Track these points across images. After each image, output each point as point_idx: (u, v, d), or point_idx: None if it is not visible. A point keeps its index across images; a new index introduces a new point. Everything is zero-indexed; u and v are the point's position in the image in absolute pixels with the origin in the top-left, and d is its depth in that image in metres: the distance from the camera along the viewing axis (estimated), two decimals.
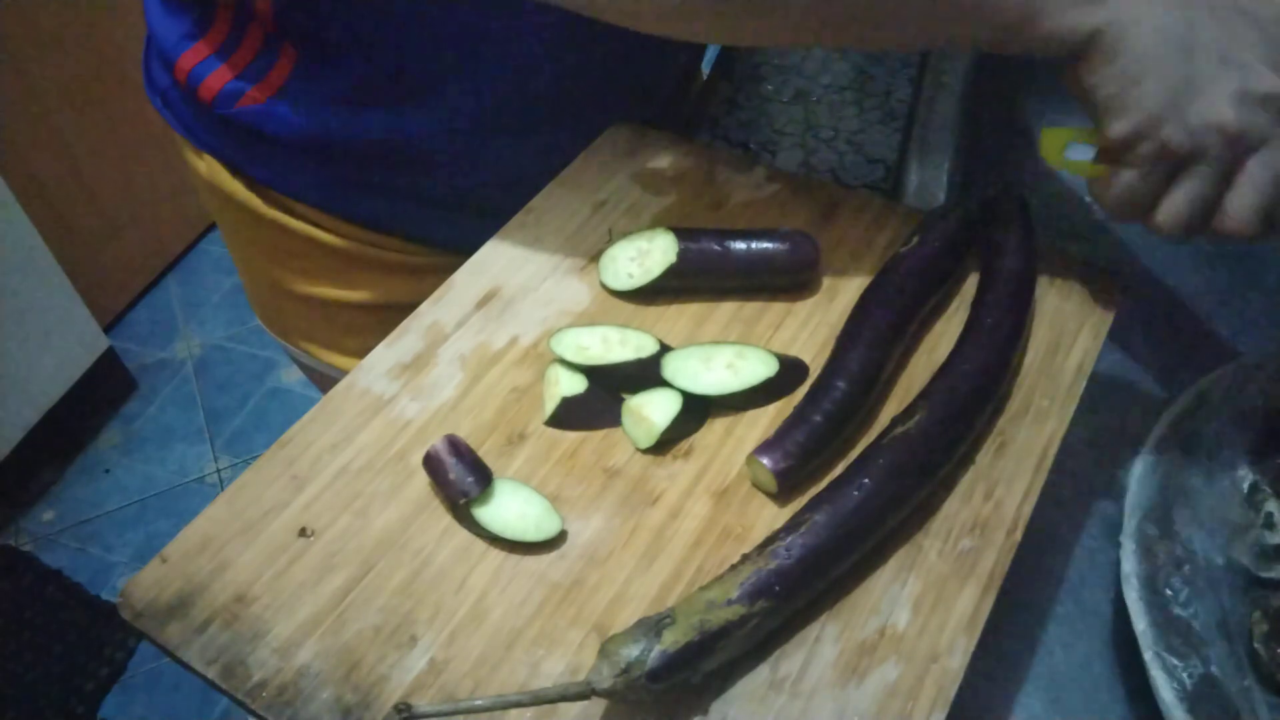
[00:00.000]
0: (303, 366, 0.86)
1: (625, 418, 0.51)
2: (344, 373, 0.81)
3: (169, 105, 0.70)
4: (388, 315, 0.78)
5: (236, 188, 0.71)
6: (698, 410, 0.52)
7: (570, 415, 0.51)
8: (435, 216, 0.74)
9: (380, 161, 0.69)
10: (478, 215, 0.73)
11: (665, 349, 0.53)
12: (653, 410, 0.50)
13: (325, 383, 0.86)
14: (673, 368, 0.52)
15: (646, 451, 0.50)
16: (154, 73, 0.70)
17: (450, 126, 0.67)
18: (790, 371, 0.53)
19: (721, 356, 0.53)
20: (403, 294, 0.77)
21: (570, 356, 0.53)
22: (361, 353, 0.73)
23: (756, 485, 0.49)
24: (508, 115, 0.68)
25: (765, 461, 0.47)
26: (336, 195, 0.71)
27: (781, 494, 0.48)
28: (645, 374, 0.52)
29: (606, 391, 0.52)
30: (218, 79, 0.66)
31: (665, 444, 0.50)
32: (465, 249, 0.75)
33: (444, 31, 0.61)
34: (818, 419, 0.49)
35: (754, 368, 0.52)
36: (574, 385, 0.52)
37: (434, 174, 0.71)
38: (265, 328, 0.85)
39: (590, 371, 0.52)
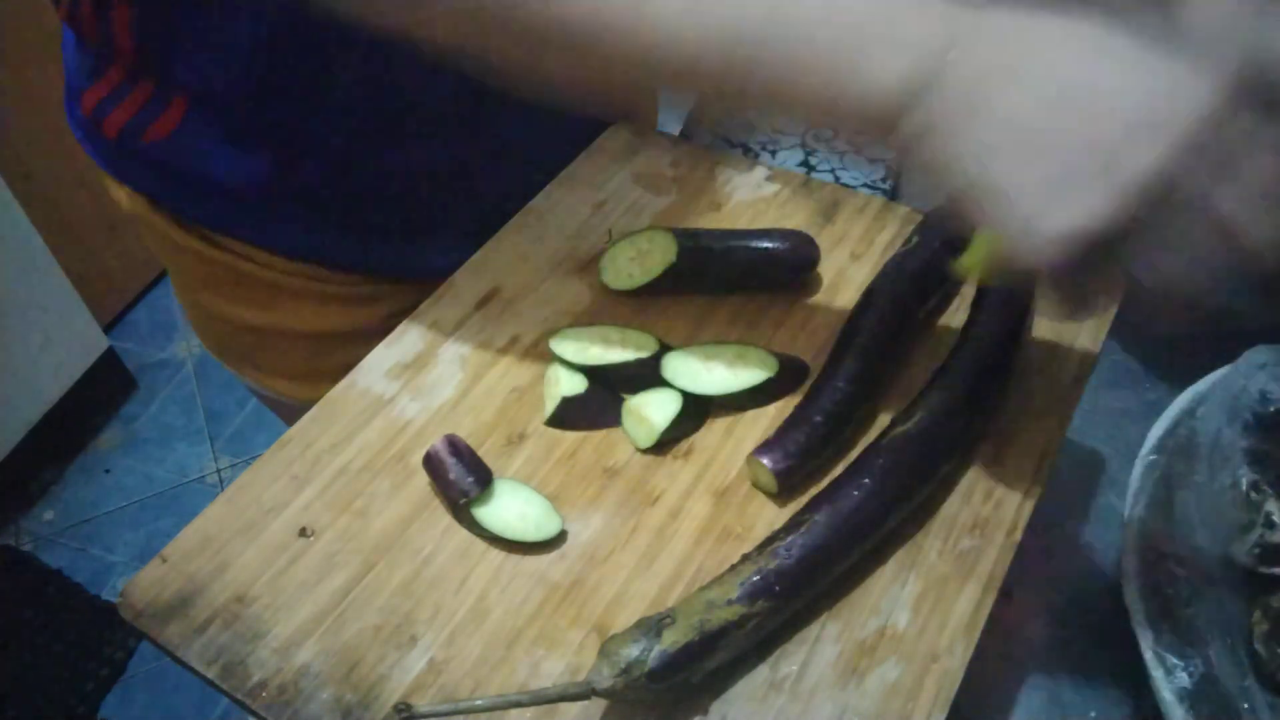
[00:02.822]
0: (250, 389, 0.84)
1: (625, 417, 0.51)
2: (285, 397, 0.79)
3: (87, 138, 0.69)
4: (322, 344, 0.73)
5: (156, 219, 0.70)
6: (698, 410, 0.52)
7: (570, 415, 0.51)
8: (354, 244, 0.71)
9: (283, 194, 0.67)
10: (403, 240, 0.70)
11: (665, 349, 0.53)
12: (653, 410, 0.50)
13: (273, 405, 0.83)
14: (673, 368, 0.52)
15: (646, 451, 0.50)
16: (72, 105, 0.70)
17: (345, 153, 0.64)
18: (790, 371, 0.53)
19: (722, 357, 0.52)
20: (337, 323, 0.73)
21: (570, 356, 0.53)
22: (300, 377, 0.70)
23: (756, 485, 0.49)
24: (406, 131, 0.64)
25: (765, 461, 0.47)
26: (244, 224, 0.69)
27: (781, 494, 0.48)
28: (645, 374, 0.52)
29: (606, 391, 0.52)
30: (119, 116, 0.65)
31: (665, 444, 0.50)
32: (397, 276, 0.73)
33: (312, 64, 0.59)
34: (818, 419, 0.49)
35: (754, 368, 0.52)
36: (574, 385, 0.52)
37: (345, 202, 0.68)
38: (209, 352, 0.83)
39: (590, 371, 0.52)
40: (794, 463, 0.48)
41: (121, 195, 0.71)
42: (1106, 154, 0.35)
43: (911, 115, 0.38)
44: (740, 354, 0.53)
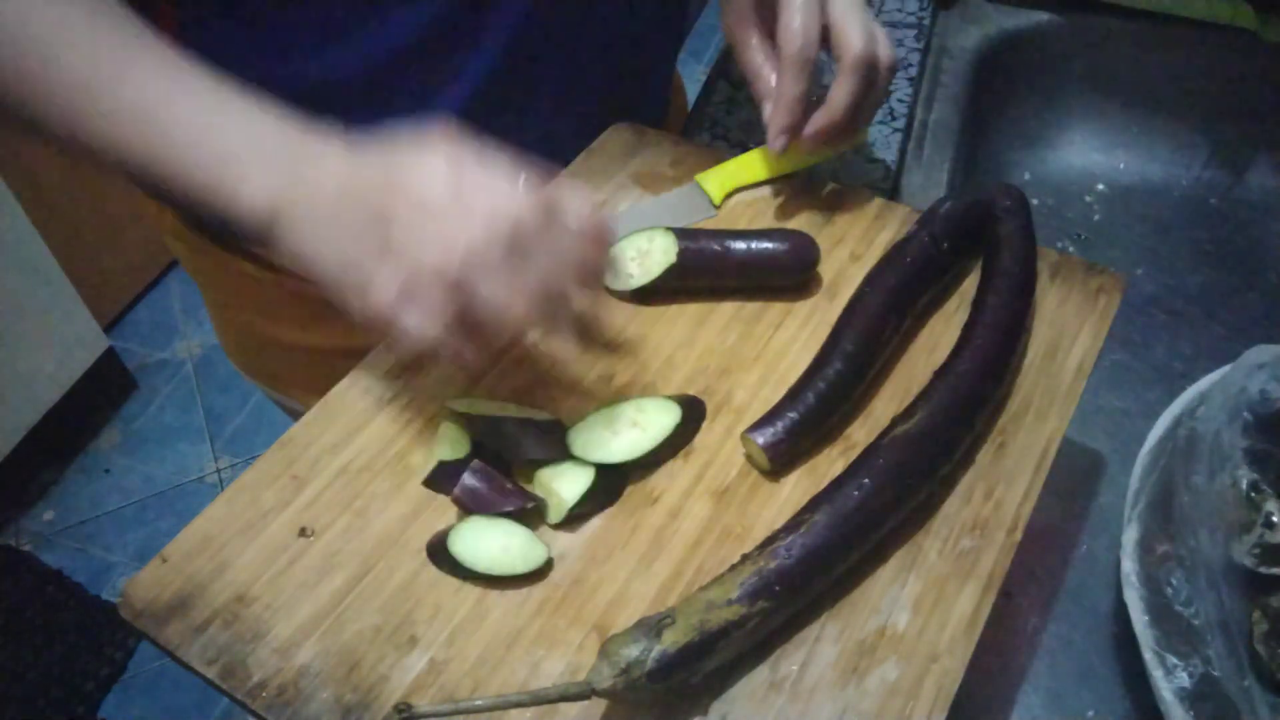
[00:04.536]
0: (279, 405, 0.84)
1: (536, 490, 0.49)
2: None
3: None
4: (354, 361, 0.76)
5: (198, 239, 0.70)
6: (612, 481, 0.49)
7: (446, 483, 0.48)
8: None
9: None
10: None
11: (563, 427, 0.50)
12: (562, 484, 0.48)
13: (295, 416, 0.83)
14: (581, 441, 0.49)
15: (556, 527, 0.48)
16: None
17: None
18: (691, 412, 0.51)
19: (624, 416, 0.50)
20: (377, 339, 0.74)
21: (461, 408, 0.50)
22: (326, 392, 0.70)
23: (751, 463, 0.49)
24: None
25: (757, 439, 0.48)
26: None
27: (774, 471, 0.49)
28: (544, 445, 0.49)
29: (495, 464, 0.48)
30: None
31: (576, 519, 0.48)
32: None
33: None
34: (810, 398, 0.49)
35: (658, 419, 0.50)
36: (456, 449, 0.49)
37: None
38: (236, 368, 0.82)
39: (479, 440, 0.49)
40: (784, 439, 0.48)
41: (164, 218, 0.71)
42: (386, 241, 0.44)
43: (276, 222, 0.47)
44: (639, 408, 0.50)
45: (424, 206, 0.44)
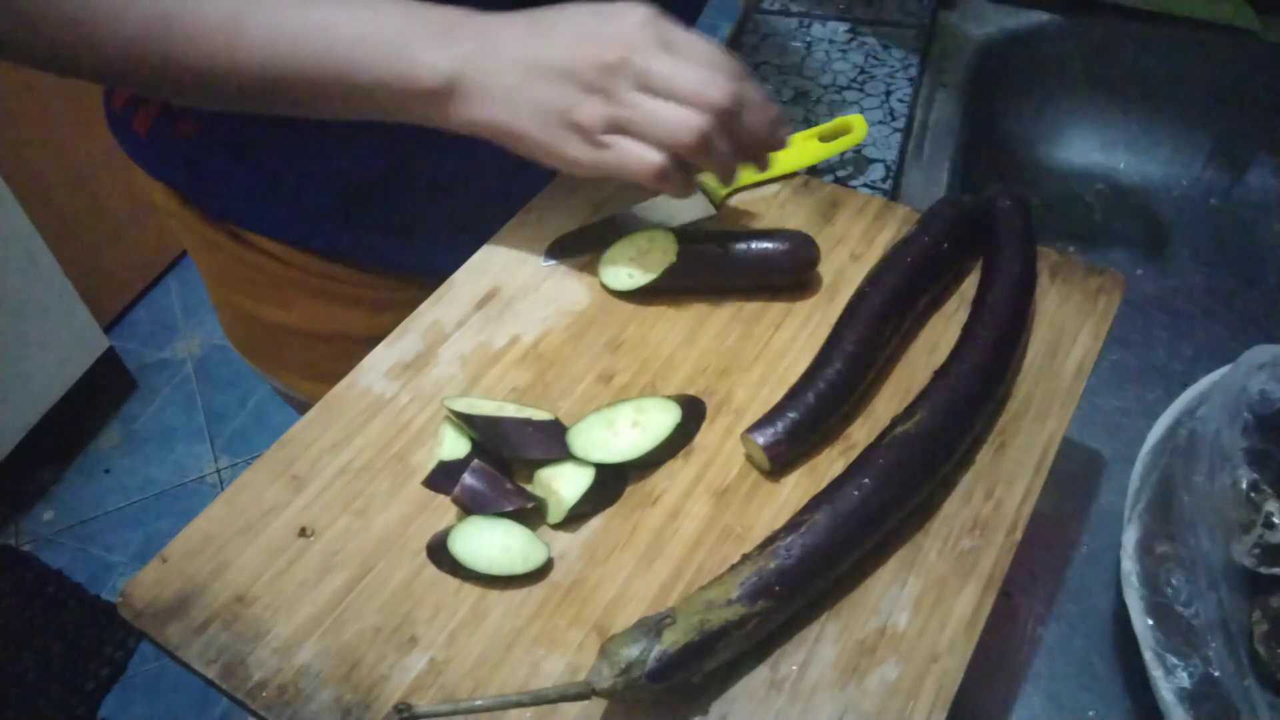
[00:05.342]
0: (274, 389, 0.85)
1: (535, 491, 0.48)
2: (306, 398, 0.79)
3: (119, 133, 0.70)
4: (339, 348, 0.73)
5: (186, 214, 0.70)
6: (612, 481, 0.49)
7: (447, 484, 0.48)
8: (383, 243, 0.71)
9: (318, 188, 0.68)
10: (404, 238, 0.71)
11: (563, 426, 0.50)
12: (562, 484, 0.47)
13: (296, 406, 0.83)
14: (581, 442, 0.49)
15: (556, 527, 0.48)
16: (107, 97, 0.70)
17: (358, 163, 0.65)
18: (691, 411, 0.51)
19: (624, 416, 0.50)
20: (353, 327, 0.74)
21: (461, 408, 0.49)
22: (321, 379, 0.71)
23: (752, 464, 0.49)
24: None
25: (757, 439, 0.48)
26: (268, 218, 0.69)
27: (775, 471, 0.49)
28: (543, 445, 0.49)
29: (498, 470, 0.48)
30: (145, 117, 0.66)
31: (577, 519, 0.48)
32: (397, 272, 0.73)
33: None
34: (810, 398, 0.49)
35: (658, 419, 0.50)
36: (456, 449, 0.48)
37: (369, 200, 0.68)
38: (232, 346, 0.83)
39: (479, 440, 0.49)
40: (784, 439, 0.48)
41: (154, 190, 0.72)
42: (566, 81, 0.50)
43: (456, 89, 0.51)
44: (639, 408, 0.50)
45: (634, 49, 0.49)
